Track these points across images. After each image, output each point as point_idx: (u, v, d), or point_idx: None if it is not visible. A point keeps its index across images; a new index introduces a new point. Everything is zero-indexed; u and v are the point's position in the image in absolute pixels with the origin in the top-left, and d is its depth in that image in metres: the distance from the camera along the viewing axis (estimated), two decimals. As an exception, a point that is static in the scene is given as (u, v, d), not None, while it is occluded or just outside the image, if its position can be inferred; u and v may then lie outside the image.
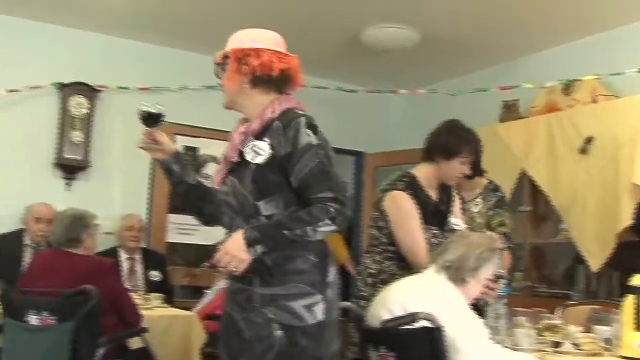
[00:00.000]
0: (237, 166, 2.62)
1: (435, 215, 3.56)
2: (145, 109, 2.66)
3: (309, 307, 2.52)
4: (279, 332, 2.50)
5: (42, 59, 6.20)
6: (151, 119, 2.67)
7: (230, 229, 2.62)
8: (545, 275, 5.84)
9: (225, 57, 2.68)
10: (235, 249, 2.44)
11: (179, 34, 6.38)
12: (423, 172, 3.60)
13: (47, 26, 6.22)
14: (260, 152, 2.56)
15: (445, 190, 3.69)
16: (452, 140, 3.56)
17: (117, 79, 6.42)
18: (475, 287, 2.95)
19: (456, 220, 3.61)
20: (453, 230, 3.50)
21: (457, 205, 3.77)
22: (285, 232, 2.45)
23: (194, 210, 2.84)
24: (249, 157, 2.58)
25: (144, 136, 2.70)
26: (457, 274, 2.92)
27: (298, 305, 2.51)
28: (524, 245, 5.82)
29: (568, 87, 5.75)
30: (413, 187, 3.52)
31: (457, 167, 3.54)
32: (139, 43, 6.61)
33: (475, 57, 6.62)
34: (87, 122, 6.26)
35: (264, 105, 2.62)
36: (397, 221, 3.47)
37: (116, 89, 6.41)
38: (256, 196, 2.55)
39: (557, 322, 3.07)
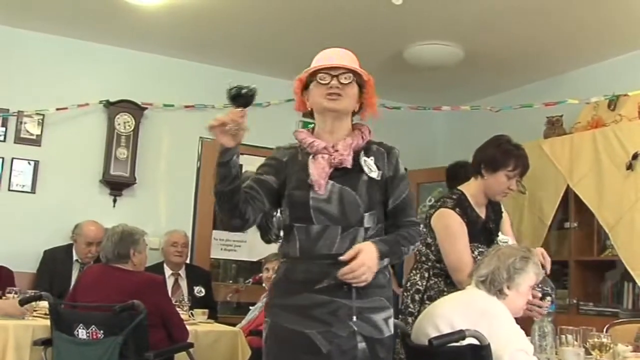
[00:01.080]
0: (343, 175, 2.66)
1: (483, 232, 3.55)
2: (236, 85, 2.45)
3: (386, 320, 2.62)
4: (362, 344, 2.56)
5: (89, 77, 6.32)
6: (242, 99, 2.45)
7: (319, 238, 2.61)
8: (591, 292, 5.76)
9: (357, 74, 2.74)
10: (370, 261, 2.48)
11: (223, 52, 6.46)
12: (471, 189, 3.60)
13: (94, 45, 6.35)
14: (372, 167, 2.69)
15: (494, 207, 3.69)
16: (498, 153, 3.55)
17: (162, 96, 6.52)
18: (518, 298, 2.94)
19: (504, 237, 3.60)
20: None
21: (507, 222, 3.77)
22: (402, 248, 2.64)
23: (236, 212, 2.61)
24: (366, 168, 2.68)
25: (233, 116, 2.43)
26: (493, 286, 2.93)
27: (379, 318, 2.60)
28: (569, 262, 5.76)
29: (613, 103, 5.70)
30: (462, 205, 3.52)
31: (504, 182, 3.52)
32: (184, 61, 6.70)
33: (518, 73, 6.59)
34: (132, 139, 6.36)
35: (349, 127, 2.76)
36: (445, 238, 3.47)
37: (161, 107, 6.51)
38: (365, 208, 2.64)
39: (605, 340, 3.03)
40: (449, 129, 7.78)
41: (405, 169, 2.83)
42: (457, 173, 6.04)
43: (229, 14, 5.58)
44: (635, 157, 5.18)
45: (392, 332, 2.64)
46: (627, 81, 5.71)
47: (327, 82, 2.66)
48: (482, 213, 3.60)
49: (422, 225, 3.31)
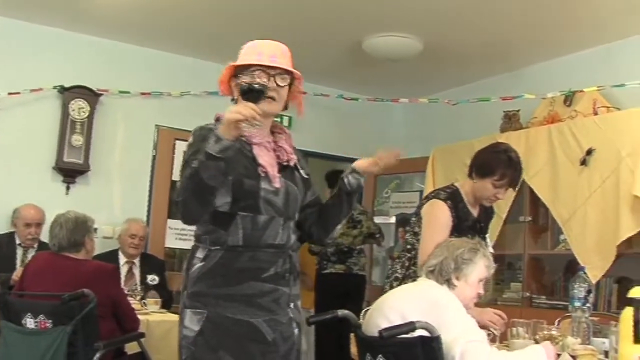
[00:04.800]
0: (284, 171, 2.73)
1: (471, 229, 3.61)
2: (247, 82, 2.53)
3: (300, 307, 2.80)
4: (296, 330, 2.71)
5: (43, 62, 6.20)
6: (253, 94, 2.46)
7: (265, 228, 2.61)
8: (544, 286, 5.81)
9: (290, 73, 2.72)
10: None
11: (180, 40, 6.40)
12: (465, 187, 3.67)
13: (49, 29, 6.22)
14: (304, 166, 2.84)
15: (487, 208, 3.79)
16: (489, 160, 3.57)
17: (118, 83, 6.43)
18: (467, 289, 2.96)
19: (489, 242, 3.67)
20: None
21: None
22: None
23: (210, 205, 2.55)
24: (299, 166, 2.82)
25: (253, 112, 2.37)
26: (440, 276, 2.96)
27: (299, 304, 2.77)
28: (523, 255, 5.82)
29: (569, 99, 5.75)
30: (454, 199, 3.57)
31: (489, 189, 3.55)
32: (141, 48, 6.62)
33: (477, 67, 6.63)
34: (87, 125, 6.26)
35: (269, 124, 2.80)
36: (427, 226, 3.53)
37: (117, 93, 6.41)
38: (301, 202, 2.79)
39: (554, 333, 3.06)
40: (407, 121, 7.80)
41: None
42: (333, 178, 6.22)
43: (186, 1, 5.51)
44: (589, 152, 5.24)
45: None
46: (583, 78, 5.77)
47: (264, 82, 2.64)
48: (474, 211, 3.67)
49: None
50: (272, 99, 2.64)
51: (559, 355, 2.81)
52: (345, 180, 2.79)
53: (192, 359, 2.58)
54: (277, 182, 2.65)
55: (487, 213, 3.79)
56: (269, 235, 2.62)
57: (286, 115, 7.04)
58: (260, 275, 2.59)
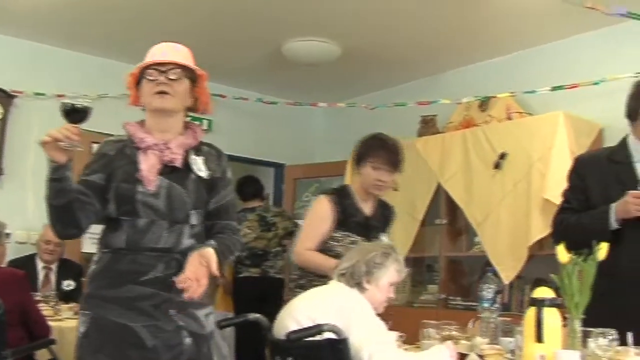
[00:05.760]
0: (173, 172, 2.67)
1: (361, 225, 3.68)
2: (71, 102, 2.43)
3: (207, 316, 2.70)
4: (188, 340, 2.60)
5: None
6: (77, 114, 2.42)
7: (146, 232, 2.60)
8: (460, 287, 5.92)
9: (188, 69, 2.72)
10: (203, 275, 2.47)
11: (99, 42, 6.30)
12: (355, 184, 3.79)
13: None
14: (201, 167, 2.72)
15: (384, 210, 3.89)
16: (362, 147, 3.73)
17: (33, 84, 6.29)
18: (377, 293, 3.00)
19: (385, 239, 3.73)
20: None
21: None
22: (231, 256, 2.75)
23: (72, 222, 2.58)
24: (195, 167, 2.70)
25: (67, 132, 2.36)
26: (352, 279, 2.98)
27: (201, 314, 2.67)
28: (439, 258, 5.91)
29: (484, 104, 5.88)
30: (341, 195, 3.70)
31: (371, 173, 3.66)
32: (58, 49, 6.48)
33: (395, 72, 6.71)
34: (1, 128, 6.11)
35: (180, 125, 2.76)
36: (306, 218, 3.70)
37: (32, 95, 6.27)
38: (192, 205, 2.67)
39: (454, 333, 3.12)
40: (326, 125, 7.85)
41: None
42: (246, 186, 6.29)
43: (101, 2, 5.43)
44: (502, 156, 5.35)
45: (213, 328, 2.72)
46: (497, 84, 5.91)
47: (154, 78, 2.65)
48: (365, 208, 3.75)
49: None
50: (165, 93, 2.64)
51: (462, 354, 2.86)
52: None
53: (78, 359, 2.58)
54: (152, 185, 2.60)
55: (384, 213, 3.87)
56: (150, 238, 2.59)
57: (206, 119, 7.01)
58: (139, 279, 2.56)
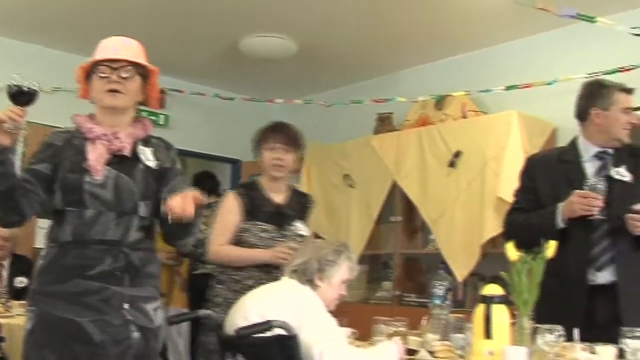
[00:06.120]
0: (121, 162, 2.65)
1: (272, 214, 3.71)
2: (17, 84, 2.39)
3: (156, 310, 2.66)
4: (136, 334, 2.58)
5: None
6: (23, 97, 2.39)
7: (93, 223, 2.57)
8: (415, 284, 5.94)
9: (140, 65, 2.71)
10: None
11: (54, 34, 6.19)
12: (264, 177, 3.85)
13: None
14: (150, 157, 2.70)
15: (300, 199, 3.90)
16: (255, 137, 3.83)
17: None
18: (329, 290, 3.01)
19: (301, 226, 3.75)
20: (299, 235, 3.70)
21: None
22: (194, 234, 2.72)
23: (14, 209, 2.55)
24: (143, 156, 2.68)
25: (12, 114, 2.36)
26: (304, 276, 2.99)
27: (150, 307, 2.64)
28: (394, 255, 5.94)
29: (440, 102, 5.92)
30: (249, 188, 3.79)
31: (268, 156, 3.74)
32: (11, 40, 6.34)
33: (352, 70, 6.71)
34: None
35: (130, 120, 2.74)
36: (216, 217, 3.75)
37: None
38: (141, 196, 2.64)
39: (403, 329, 3.15)
40: (284, 121, 7.82)
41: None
42: (202, 181, 6.28)
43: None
44: (457, 155, 5.38)
45: (161, 322, 2.70)
46: (453, 82, 5.95)
47: (106, 75, 2.64)
48: (277, 198, 3.78)
49: None
50: (117, 91, 2.63)
51: (410, 350, 2.88)
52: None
53: (24, 357, 2.56)
54: (99, 174, 2.58)
55: (301, 201, 3.90)
56: (98, 230, 2.57)
57: (163, 114, 6.97)
58: (86, 273, 2.54)
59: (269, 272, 3.55)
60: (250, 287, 3.45)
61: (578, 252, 3.21)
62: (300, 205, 3.87)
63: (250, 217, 3.65)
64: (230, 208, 3.70)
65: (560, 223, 3.26)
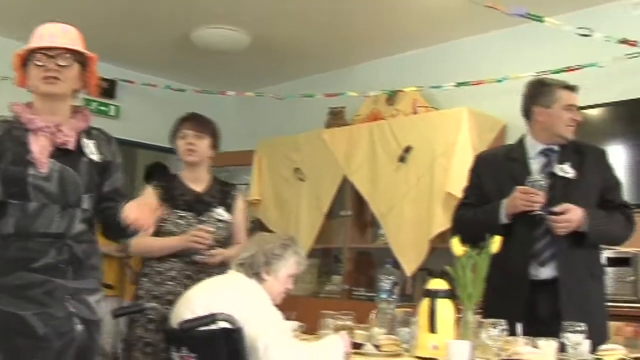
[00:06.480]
0: (65, 155, 2.64)
1: (192, 203, 3.75)
2: None
3: (98, 302, 2.67)
4: (79, 327, 2.58)
5: None
6: None
7: (37, 216, 2.55)
8: (365, 278, 5.97)
9: (78, 52, 2.68)
10: None
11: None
12: (184, 167, 3.93)
13: None
14: (93, 150, 2.70)
15: (224, 188, 3.95)
16: (170, 130, 3.91)
17: None
18: (276, 284, 3.01)
19: (221, 212, 3.80)
20: (219, 220, 3.76)
21: (239, 207, 3.98)
22: None
23: None
24: (87, 150, 2.68)
25: None
26: (251, 269, 2.98)
27: (93, 300, 2.64)
28: (343, 249, 5.96)
29: (391, 98, 5.94)
30: (166, 180, 3.88)
31: (180, 143, 3.82)
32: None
33: (305, 63, 6.71)
34: None
35: (69, 108, 2.74)
36: None
37: None
38: (85, 189, 2.63)
39: (349, 323, 3.16)
40: (235, 114, 7.77)
41: None
42: (154, 173, 6.30)
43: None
44: (407, 150, 5.41)
45: (103, 314, 2.73)
46: (405, 78, 5.98)
47: (43, 64, 2.61)
48: (196, 187, 3.83)
49: None
50: (55, 78, 2.61)
51: (356, 344, 2.89)
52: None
53: None
54: (45, 167, 2.57)
55: (223, 190, 3.94)
56: (41, 223, 2.55)
57: (113, 104, 6.89)
58: (29, 266, 2.52)
59: (192, 262, 3.61)
60: (173, 278, 3.58)
61: (521, 248, 3.26)
62: (222, 193, 3.90)
63: (169, 207, 3.68)
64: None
65: (504, 219, 3.31)
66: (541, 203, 3.22)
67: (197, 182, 3.85)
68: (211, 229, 3.63)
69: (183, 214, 3.71)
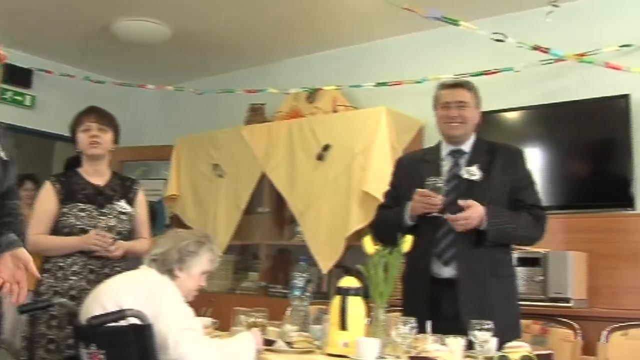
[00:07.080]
0: None
1: (93, 196, 3.73)
2: None
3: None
4: None
5: None
6: None
7: None
8: (282, 276, 5.97)
9: None
10: None
11: None
12: (84, 162, 3.87)
13: None
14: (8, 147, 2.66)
15: (125, 181, 3.94)
16: (70, 125, 3.89)
17: None
18: (189, 281, 2.99)
19: (123, 204, 3.80)
20: (121, 212, 3.76)
21: (141, 202, 3.96)
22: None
23: None
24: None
25: None
26: (163, 266, 2.96)
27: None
28: (261, 246, 5.96)
29: (312, 95, 5.97)
30: (65, 175, 3.82)
31: (82, 136, 3.79)
32: None
33: (226, 59, 6.68)
34: None
35: None
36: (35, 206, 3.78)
37: None
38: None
39: (261, 320, 3.17)
40: (156, 108, 7.71)
41: None
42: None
43: None
44: (325, 148, 5.44)
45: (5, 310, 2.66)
46: (326, 76, 6.02)
47: None
48: (97, 181, 3.81)
49: None
50: None
51: (268, 340, 2.90)
52: None
53: None
54: None
55: (124, 184, 3.92)
56: None
57: (29, 94, 6.73)
58: None
59: (95, 257, 3.59)
60: (76, 273, 3.55)
61: (425, 247, 3.32)
62: (123, 187, 3.89)
63: (69, 201, 3.66)
64: (46, 196, 3.70)
65: (408, 220, 3.39)
66: (438, 205, 3.28)
67: (98, 175, 3.82)
68: (106, 234, 3.60)
69: (84, 206, 3.67)
